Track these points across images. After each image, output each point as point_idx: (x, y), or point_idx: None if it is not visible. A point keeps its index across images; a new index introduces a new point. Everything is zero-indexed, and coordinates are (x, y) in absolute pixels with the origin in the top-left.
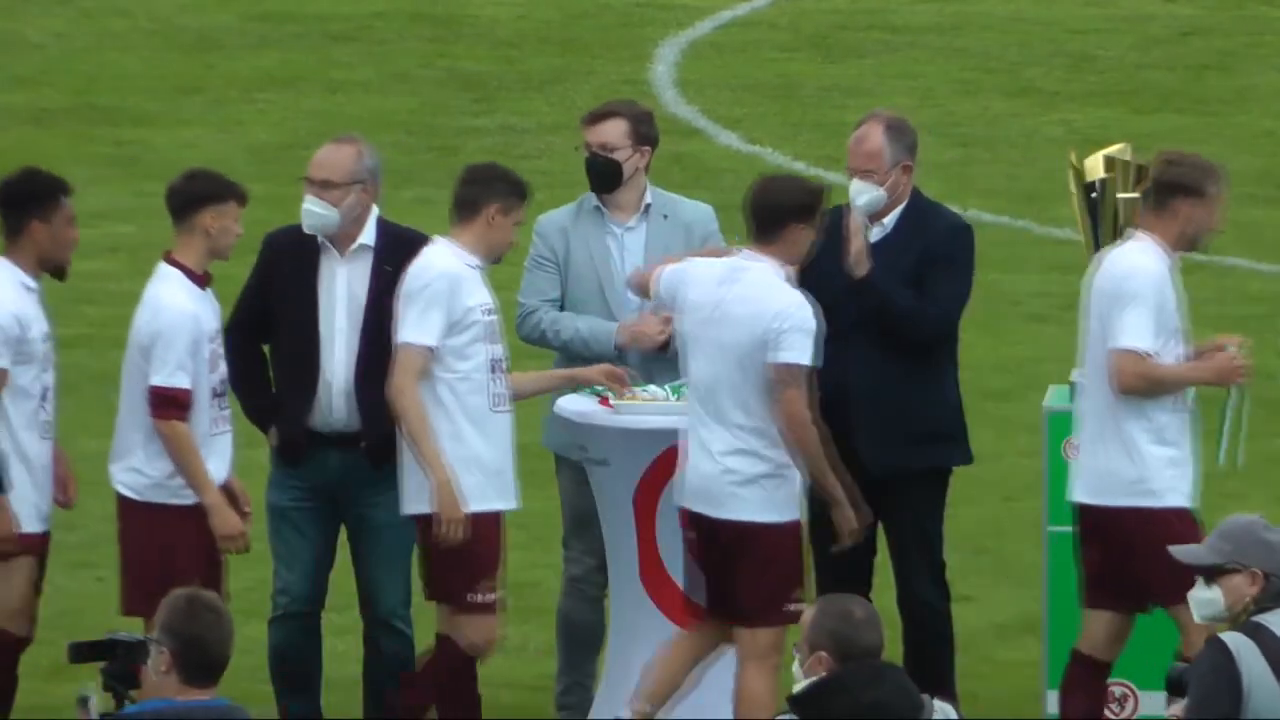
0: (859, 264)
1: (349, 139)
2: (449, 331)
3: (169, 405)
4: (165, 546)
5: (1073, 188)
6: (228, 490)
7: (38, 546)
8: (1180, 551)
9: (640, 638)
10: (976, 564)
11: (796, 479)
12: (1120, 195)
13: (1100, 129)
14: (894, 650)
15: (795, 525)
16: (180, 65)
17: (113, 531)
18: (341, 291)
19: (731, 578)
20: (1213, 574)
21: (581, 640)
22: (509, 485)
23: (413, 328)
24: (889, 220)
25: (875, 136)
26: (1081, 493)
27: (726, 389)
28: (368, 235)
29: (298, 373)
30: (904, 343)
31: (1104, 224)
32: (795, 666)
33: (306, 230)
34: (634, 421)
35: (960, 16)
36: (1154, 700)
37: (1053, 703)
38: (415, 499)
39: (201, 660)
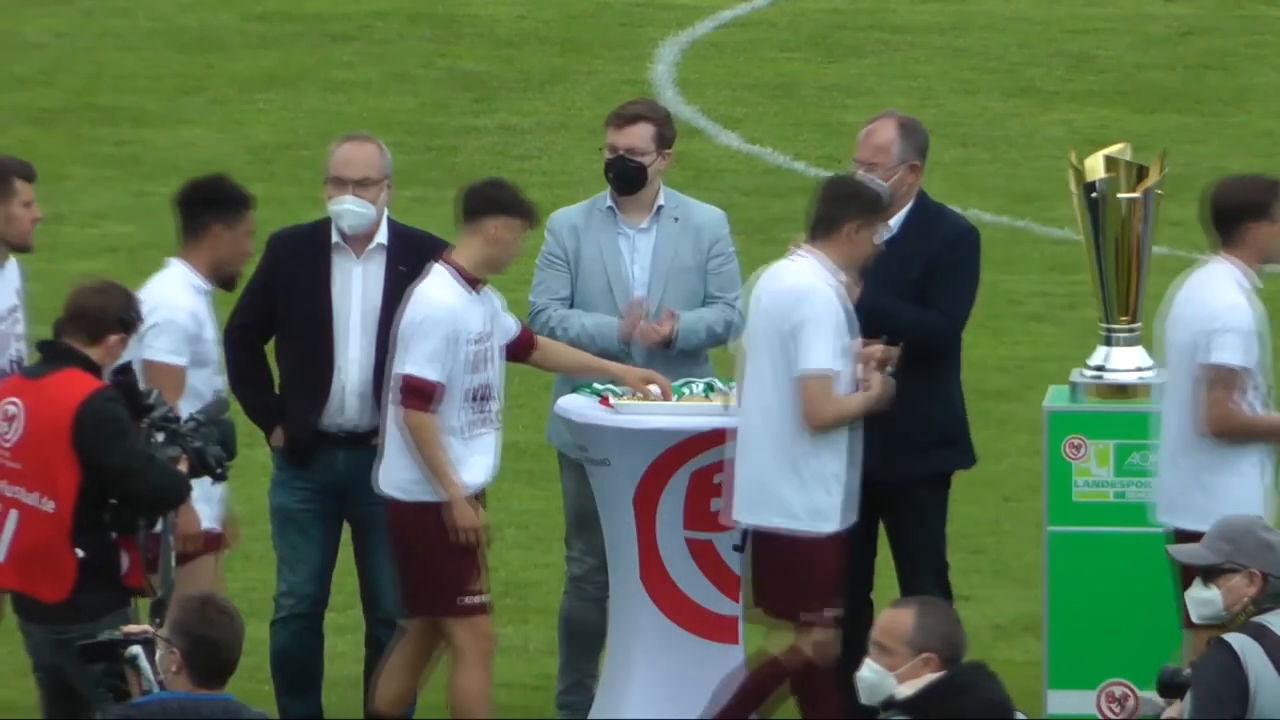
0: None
1: (365, 136)
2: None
3: (414, 395)
4: (441, 541)
5: (1073, 188)
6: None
7: (218, 543)
8: (1179, 551)
9: (640, 638)
10: (976, 564)
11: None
12: (1120, 195)
13: (1100, 129)
14: None
15: None
16: (180, 65)
17: None
18: (356, 291)
19: None
20: (1211, 574)
21: (583, 640)
22: None
23: (824, 354)
24: (894, 222)
25: (886, 131)
26: None
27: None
28: (382, 235)
29: (309, 373)
30: (908, 350)
31: (1104, 224)
32: (874, 670)
33: (348, 231)
34: (634, 421)
35: (960, 16)
36: (1154, 700)
37: (1053, 703)
38: (779, 513)
39: (211, 661)
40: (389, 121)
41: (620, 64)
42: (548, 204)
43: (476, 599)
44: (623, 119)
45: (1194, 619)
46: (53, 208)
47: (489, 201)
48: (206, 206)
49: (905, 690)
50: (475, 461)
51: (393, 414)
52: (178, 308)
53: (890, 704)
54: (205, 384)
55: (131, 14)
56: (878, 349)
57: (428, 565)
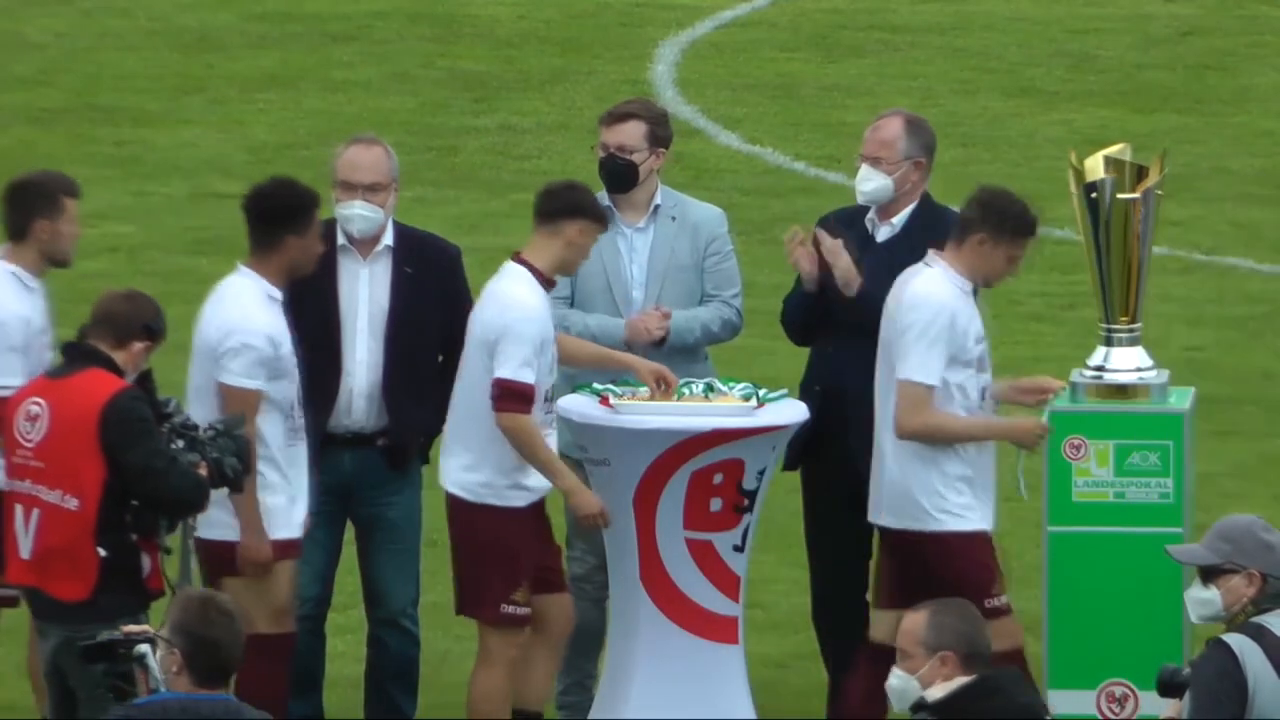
0: (848, 285)
1: (372, 139)
2: (949, 365)
3: (514, 399)
4: (493, 547)
5: (1073, 188)
6: None
7: (297, 550)
8: (1178, 551)
9: (640, 638)
10: None
11: None
12: (1120, 195)
13: (1100, 129)
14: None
15: None
16: (180, 65)
17: None
18: (364, 294)
19: None
20: (1210, 574)
21: (583, 640)
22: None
23: (918, 364)
24: (898, 220)
25: (892, 126)
26: None
27: None
28: (388, 237)
29: (316, 375)
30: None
31: (1104, 224)
32: (899, 676)
33: (357, 235)
34: (634, 421)
35: (960, 16)
36: (1154, 700)
37: (1053, 703)
38: (910, 515)
39: (212, 662)
40: (389, 121)
41: (620, 64)
42: None
43: (517, 610)
44: (614, 117)
45: (1193, 619)
46: None
47: (570, 205)
48: (278, 218)
49: (936, 693)
50: None
51: (462, 410)
52: (252, 331)
53: (920, 707)
54: (283, 395)
55: (131, 14)
56: (1043, 381)
57: (475, 568)
